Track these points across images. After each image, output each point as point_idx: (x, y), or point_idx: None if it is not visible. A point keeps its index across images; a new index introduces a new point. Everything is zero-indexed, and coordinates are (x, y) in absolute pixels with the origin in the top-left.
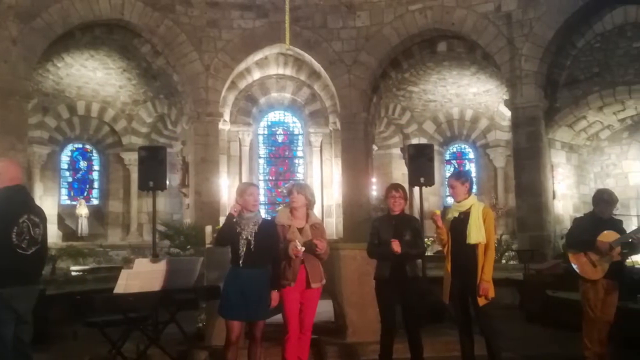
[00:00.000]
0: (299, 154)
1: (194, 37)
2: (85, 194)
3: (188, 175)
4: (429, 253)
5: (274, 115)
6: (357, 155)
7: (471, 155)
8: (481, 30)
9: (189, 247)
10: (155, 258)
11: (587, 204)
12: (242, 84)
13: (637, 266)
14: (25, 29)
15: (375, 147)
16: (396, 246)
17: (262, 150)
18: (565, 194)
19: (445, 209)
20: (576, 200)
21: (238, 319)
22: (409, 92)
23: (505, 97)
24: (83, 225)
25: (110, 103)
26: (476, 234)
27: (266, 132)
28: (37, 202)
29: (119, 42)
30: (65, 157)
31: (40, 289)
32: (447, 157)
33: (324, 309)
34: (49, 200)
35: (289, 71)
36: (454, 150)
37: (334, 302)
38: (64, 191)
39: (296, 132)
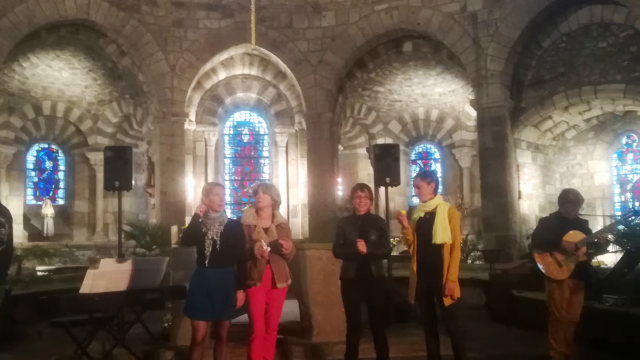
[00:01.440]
0: (265, 154)
1: (159, 37)
2: (51, 194)
3: (154, 175)
4: (394, 253)
5: (239, 115)
6: (322, 155)
7: (437, 155)
8: (447, 30)
9: (154, 247)
10: (121, 258)
11: (553, 204)
12: (208, 84)
13: (602, 266)
14: None
15: (341, 147)
16: (362, 246)
17: (228, 150)
18: (531, 194)
19: (411, 209)
20: (542, 200)
21: (204, 319)
22: (374, 92)
23: (471, 97)
24: (49, 225)
25: (75, 103)
26: (442, 234)
27: (232, 132)
28: (3, 202)
29: (84, 42)
30: (31, 157)
31: (6, 288)
32: (413, 157)
33: (290, 309)
34: (15, 200)
35: (254, 71)
36: (420, 150)
37: (300, 302)
38: (29, 191)
39: (262, 132)
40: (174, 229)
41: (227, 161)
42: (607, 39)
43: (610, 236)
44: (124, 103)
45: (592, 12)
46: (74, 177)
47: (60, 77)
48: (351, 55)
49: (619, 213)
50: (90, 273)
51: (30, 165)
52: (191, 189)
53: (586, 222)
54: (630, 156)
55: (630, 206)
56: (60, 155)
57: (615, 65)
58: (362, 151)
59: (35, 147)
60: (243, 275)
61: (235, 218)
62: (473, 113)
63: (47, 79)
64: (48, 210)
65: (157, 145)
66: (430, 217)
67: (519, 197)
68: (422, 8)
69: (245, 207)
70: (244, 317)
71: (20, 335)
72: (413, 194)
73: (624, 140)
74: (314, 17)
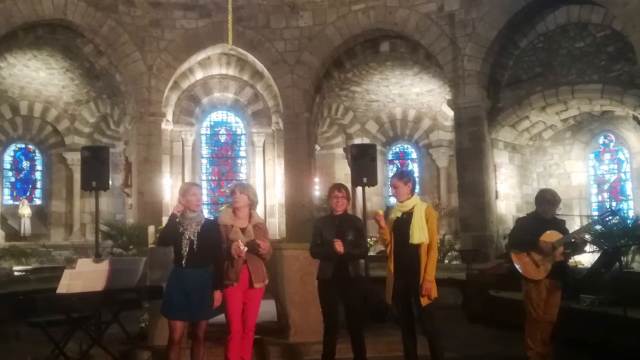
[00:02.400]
0: (242, 154)
1: (136, 37)
2: (27, 194)
3: (131, 175)
4: (371, 253)
5: (216, 115)
6: (299, 155)
7: (414, 155)
8: (424, 30)
9: (131, 247)
10: (98, 258)
11: (530, 204)
12: (185, 84)
13: (579, 266)
14: None
15: (318, 147)
16: (339, 246)
17: (205, 150)
18: (508, 194)
19: (388, 209)
20: (519, 200)
21: (181, 319)
22: (351, 92)
23: (448, 97)
24: (26, 225)
25: (53, 103)
26: (419, 233)
27: (209, 132)
28: None
29: (61, 42)
30: (7, 157)
31: None
32: (390, 157)
33: (267, 309)
34: None
35: (231, 71)
36: (397, 150)
37: (277, 302)
38: (6, 191)
39: (239, 132)
40: (151, 229)
41: (204, 161)
42: (585, 39)
43: (587, 236)
44: (101, 103)
45: (570, 12)
46: (51, 177)
47: (37, 77)
48: (328, 55)
49: (596, 213)
50: (67, 273)
51: (7, 165)
52: (168, 189)
53: (563, 222)
54: (607, 156)
55: (607, 206)
56: (38, 155)
57: (592, 65)
58: (340, 151)
59: (12, 147)
60: (220, 275)
61: (212, 218)
62: (450, 113)
63: (25, 79)
64: (25, 210)
65: (134, 145)
66: (407, 217)
67: (496, 197)
68: (399, 8)
69: (223, 207)
70: (221, 317)
71: None
72: (390, 194)
73: (601, 140)
74: (291, 17)
